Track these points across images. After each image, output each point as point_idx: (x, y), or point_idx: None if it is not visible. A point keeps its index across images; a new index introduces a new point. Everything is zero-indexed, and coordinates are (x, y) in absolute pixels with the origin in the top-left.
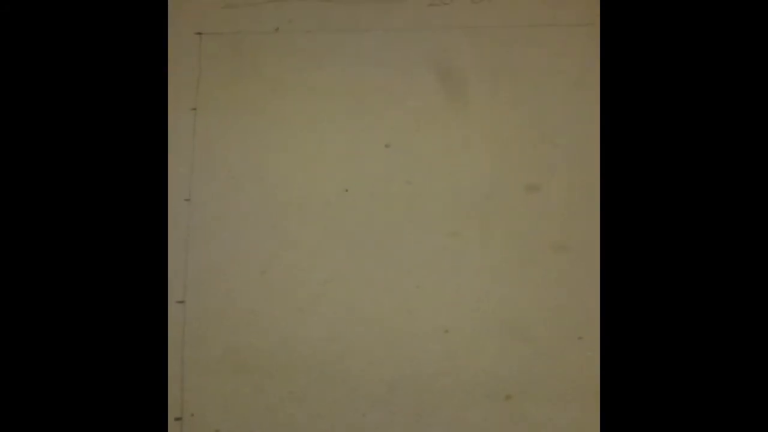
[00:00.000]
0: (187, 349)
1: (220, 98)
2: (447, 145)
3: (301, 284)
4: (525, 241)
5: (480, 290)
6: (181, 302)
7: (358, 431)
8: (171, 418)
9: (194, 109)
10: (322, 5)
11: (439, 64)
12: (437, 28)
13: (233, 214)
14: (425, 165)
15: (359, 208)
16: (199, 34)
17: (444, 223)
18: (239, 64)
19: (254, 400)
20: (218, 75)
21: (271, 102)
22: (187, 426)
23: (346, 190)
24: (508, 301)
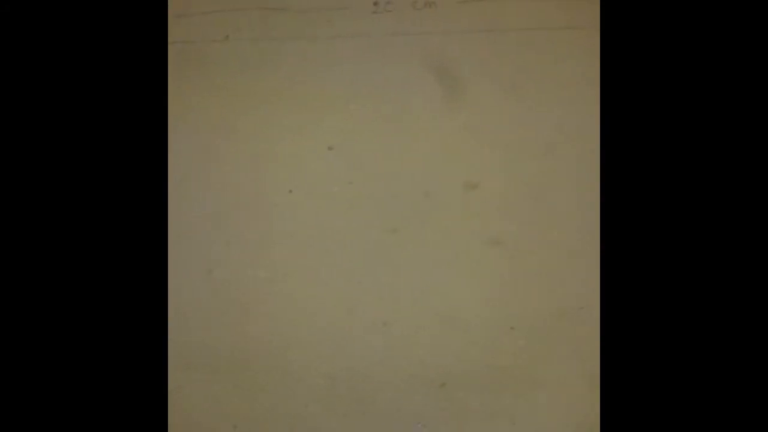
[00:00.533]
0: None
1: (171, 103)
2: (387, 146)
3: (246, 283)
4: (461, 237)
5: (418, 284)
6: None
7: (300, 422)
8: None
9: None
10: (270, 14)
11: (381, 69)
12: (380, 35)
13: (181, 215)
14: (366, 166)
15: (303, 208)
16: None
17: (384, 221)
18: (190, 71)
19: (200, 394)
20: (169, 81)
21: (219, 107)
22: None
23: (290, 191)
24: (444, 294)
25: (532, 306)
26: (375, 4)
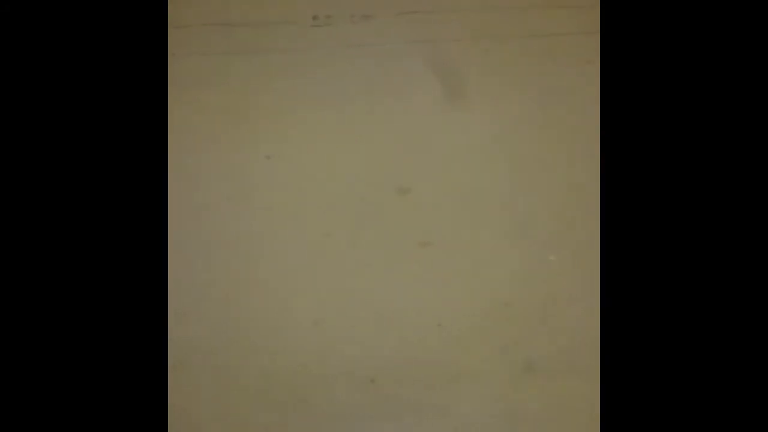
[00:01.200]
0: None
1: None
2: (323, 154)
3: (185, 287)
4: (393, 239)
5: (350, 285)
6: None
7: (236, 419)
8: None
9: None
10: (214, 29)
11: (320, 80)
12: (319, 47)
13: None
14: (303, 173)
15: (241, 215)
16: None
17: (319, 225)
18: None
19: None
20: None
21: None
22: None
23: (229, 199)
24: (375, 294)
25: (459, 303)
26: (314, 17)
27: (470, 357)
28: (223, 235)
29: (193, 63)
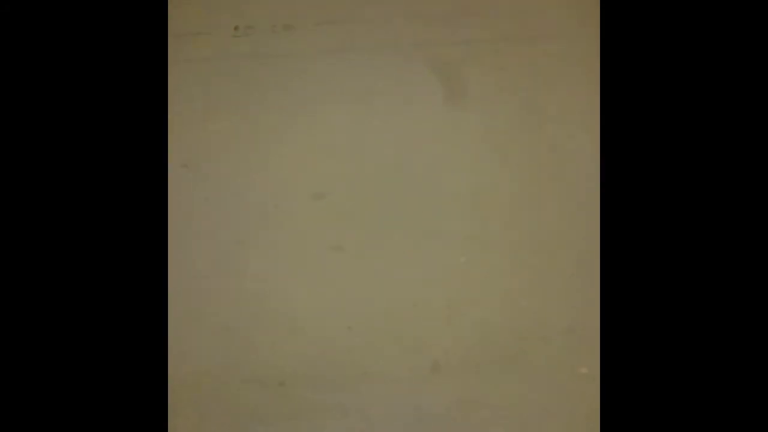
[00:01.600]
0: None
1: None
2: (239, 161)
3: None
4: (306, 244)
5: (260, 290)
6: None
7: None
8: None
9: None
10: None
11: (237, 90)
12: (238, 57)
13: None
14: (218, 181)
15: None
16: None
17: (231, 233)
18: None
19: None
20: None
21: None
22: None
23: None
24: (285, 298)
25: (368, 306)
26: (235, 28)
27: (378, 358)
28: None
29: None
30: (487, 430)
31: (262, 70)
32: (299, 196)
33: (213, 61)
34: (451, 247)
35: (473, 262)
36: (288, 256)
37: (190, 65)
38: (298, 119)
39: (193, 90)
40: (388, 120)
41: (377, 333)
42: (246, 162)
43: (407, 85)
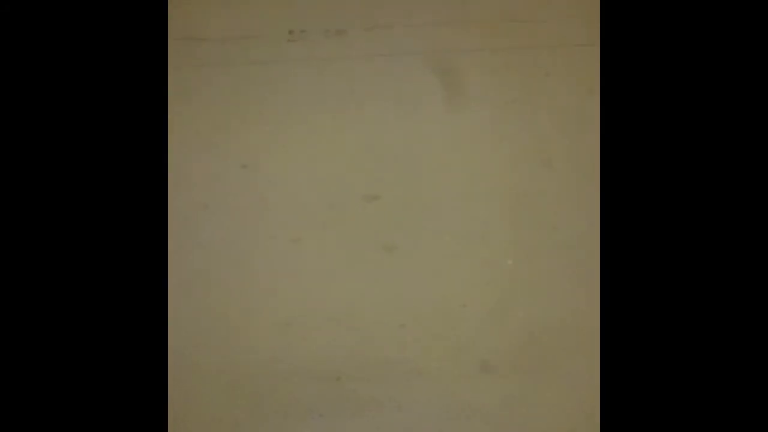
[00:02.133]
0: None
1: None
2: (296, 163)
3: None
4: (360, 244)
5: (317, 288)
6: None
7: (207, 415)
8: None
9: None
10: (192, 44)
11: (294, 92)
12: (294, 61)
13: None
14: (276, 181)
15: (216, 221)
16: None
17: (289, 231)
18: None
19: None
20: None
21: None
22: None
23: (206, 206)
24: (341, 296)
25: (420, 305)
26: (290, 32)
27: (430, 356)
28: (201, 240)
29: (171, 75)
30: (534, 428)
31: (316, 74)
32: (353, 197)
33: (270, 64)
34: (498, 250)
35: (520, 264)
36: (343, 255)
37: (249, 68)
38: (350, 122)
39: (250, 92)
40: (438, 123)
41: (429, 331)
42: (301, 163)
43: (455, 89)
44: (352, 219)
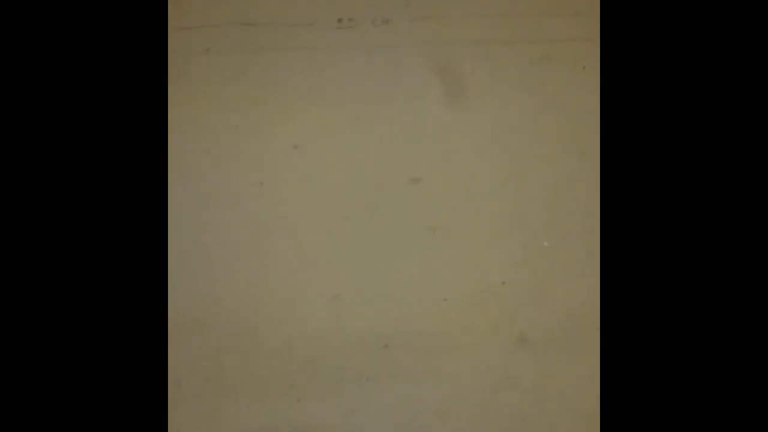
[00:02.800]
0: None
1: None
2: (344, 145)
3: (219, 261)
4: (405, 223)
5: (365, 263)
6: None
7: (260, 377)
8: None
9: None
10: (244, 29)
11: (342, 77)
12: (342, 48)
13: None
14: (325, 162)
15: (270, 199)
16: None
17: (338, 210)
18: (176, 79)
19: (175, 350)
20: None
21: (198, 111)
22: None
23: (261, 184)
24: (388, 272)
25: (462, 281)
26: (339, 20)
27: (470, 329)
28: (253, 216)
29: (225, 60)
30: (567, 399)
31: (363, 61)
32: (398, 179)
33: (319, 51)
34: (535, 233)
35: (555, 246)
36: (390, 233)
37: (299, 54)
38: (395, 107)
39: (301, 77)
40: (479, 110)
41: (470, 306)
42: (349, 145)
43: (496, 78)
44: (396, 200)
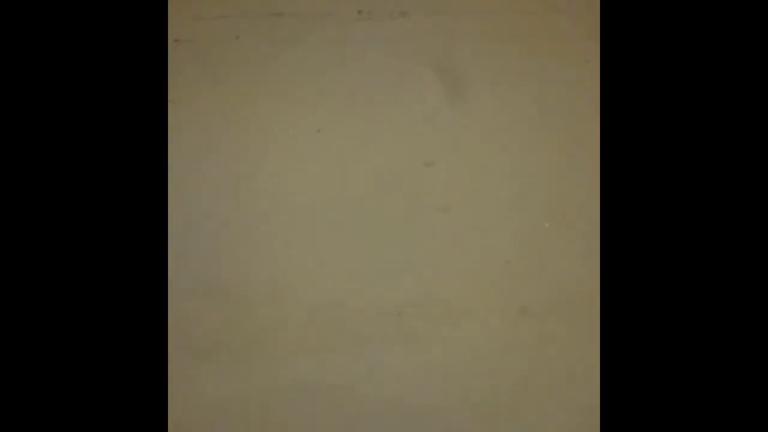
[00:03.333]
0: None
1: (185, 94)
2: (362, 130)
3: (243, 238)
4: (418, 204)
5: (381, 239)
6: None
7: (285, 340)
8: None
9: (171, 101)
10: (273, 19)
11: (361, 67)
12: (362, 40)
13: (200, 179)
14: (345, 146)
15: (293, 180)
16: (177, 40)
17: (355, 190)
18: (205, 65)
19: (202, 316)
20: (189, 75)
21: (228, 96)
22: None
23: (285, 166)
24: (401, 247)
25: (470, 258)
26: (359, 12)
27: (478, 300)
28: (277, 196)
29: (252, 48)
30: (565, 363)
31: (382, 50)
32: (412, 163)
33: (340, 42)
34: (537, 215)
35: (556, 227)
36: (403, 213)
37: (320, 45)
38: (411, 95)
39: (323, 66)
40: (488, 100)
41: (477, 279)
42: (367, 131)
43: (502, 72)
44: (411, 182)
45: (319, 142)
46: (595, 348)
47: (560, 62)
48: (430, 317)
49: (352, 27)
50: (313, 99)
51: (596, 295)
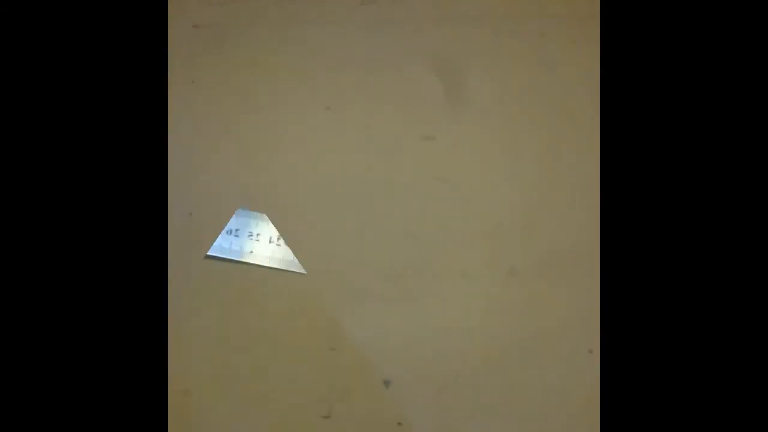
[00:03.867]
0: None
1: (200, 77)
2: (368, 106)
3: (256, 205)
4: (418, 175)
5: (384, 205)
6: None
7: (296, 295)
8: None
9: (193, 81)
10: (286, 3)
11: (366, 48)
12: (366, 23)
13: (211, 152)
14: (352, 121)
15: (303, 154)
16: (195, 26)
17: (362, 162)
18: (222, 50)
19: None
20: (209, 57)
21: (245, 76)
22: None
23: (295, 142)
24: (402, 215)
25: (464, 222)
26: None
27: (470, 260)
28: (294, 168)
29: (269, 31)
30: (551, 320)
31: (384, 34)
32: (413, 137)
33: (346, 24)
34: (527, 184)
35: (544, 196)
36: (405, 183)
37: (326, 28)
38: (412, 75)
39: (330, 48)
40: (484, 78)
41: (470, 241)
42: (372, 107)
43: (498, 54)
44: (412, 155)
45: (328, 118)
46: (582, 306)
47: (558, 42)
48: (428, 276)
49: (356, 11)
50: (322, 79)
51: (585, 254)
